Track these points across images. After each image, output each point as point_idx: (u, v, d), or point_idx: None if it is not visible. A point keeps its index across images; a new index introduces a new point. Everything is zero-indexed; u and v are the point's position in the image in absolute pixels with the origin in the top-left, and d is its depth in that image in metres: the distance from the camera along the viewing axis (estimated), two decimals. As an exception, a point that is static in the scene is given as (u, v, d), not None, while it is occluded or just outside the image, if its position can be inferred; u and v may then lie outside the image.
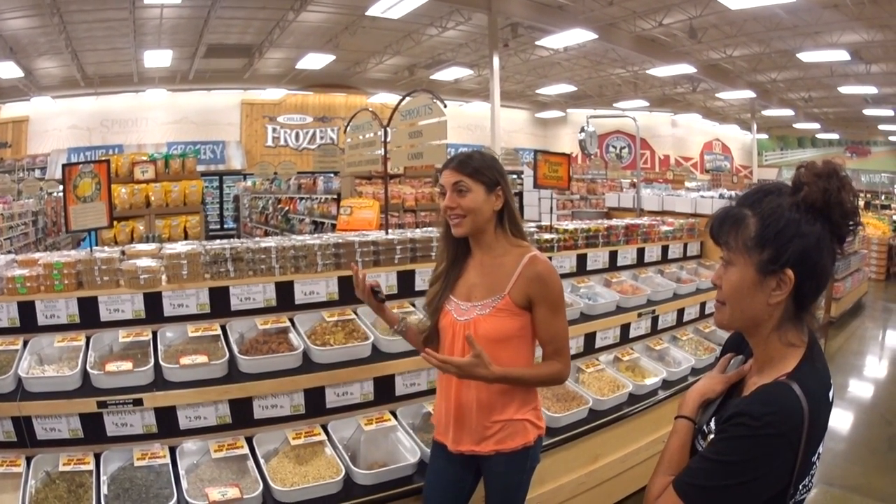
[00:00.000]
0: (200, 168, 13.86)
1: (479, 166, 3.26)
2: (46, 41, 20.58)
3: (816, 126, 39.42)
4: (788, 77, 28.22)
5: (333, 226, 12.20)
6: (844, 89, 28.36)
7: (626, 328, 6.58)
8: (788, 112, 35.06)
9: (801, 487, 2.01)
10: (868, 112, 33.38)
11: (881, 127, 37.67)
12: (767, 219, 1.99)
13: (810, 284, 2.02)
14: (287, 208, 16.71)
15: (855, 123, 38.45)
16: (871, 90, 27.76)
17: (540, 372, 3.37)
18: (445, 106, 5.49)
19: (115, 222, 8.50)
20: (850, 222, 2.02)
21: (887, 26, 19.50)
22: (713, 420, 2.17)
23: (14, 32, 19.33)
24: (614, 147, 38.90)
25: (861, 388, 9.71)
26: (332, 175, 15.55)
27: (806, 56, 22.71)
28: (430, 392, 4.81)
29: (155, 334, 4.43)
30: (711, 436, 2.10)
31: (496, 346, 3.25)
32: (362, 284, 3.57)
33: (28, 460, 3.78)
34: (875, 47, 21.72)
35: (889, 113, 32.46)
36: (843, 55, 21.94)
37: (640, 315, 6.61)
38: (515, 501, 3.57)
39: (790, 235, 1.96)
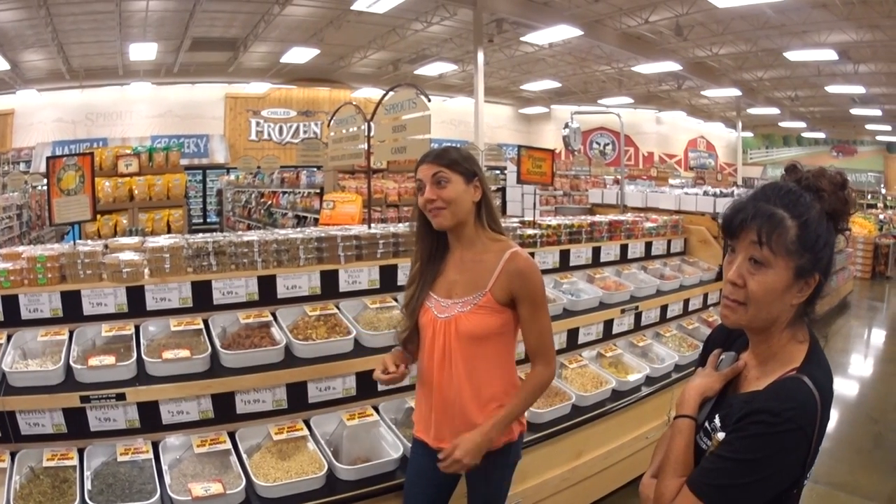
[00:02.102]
0: (184, 162, 13.78)
1: (456, 158, 3.27)
2: (33, 34, 20.51)
3: (802, 125, 39.54)
4: (775, 76, 28.31)
5: (316, 220, 12.15)
6: (832, 89, 28.46)
7: (609, 324, 6.59)
8: (774, 111, 35.18)
9: (808, 474, 2.05)
10: (855, 111, 33.50)
11: (868, 126, 37.86)
12: (810, 225, 2.01)
13: (823, 285, 2.07)
14: (270, 202, 16.68)
15: (842, 123, 38.57)
16: (858, 90, 27.85)
17: (529, 391, 3.35)
18: (429, 100, 5.50)
19: (98, 216, 8.49)
20: (845, 229, 2.10)
21: (876, 26, 19.56)
22: (717, 417, 2.17)
23: (0, 25, 19.25)
24: (598, 143, 38.96)
25: (846, 387, 9.73)
26: (315, 169, 15.50)
27: (793, 55, 22.79)
28: (413, 387, 4.78)
29: (137, 328, 4.42)
30: (719, 434, 2.08)
31: (477, 343, 3.27)
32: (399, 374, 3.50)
33: (13, 455, 3.77)
34: (863, 47, 21.80)
35: (877, 113, 32.62)
36: (830, 55, 22.03)
37: (623, 311, 6.62)
38: (498, 497, 3.58)
39: (824, 243, 2.01)
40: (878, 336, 13.95)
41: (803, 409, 1.93)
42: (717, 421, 2.15)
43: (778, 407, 1.92)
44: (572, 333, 6.21)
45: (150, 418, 4.09)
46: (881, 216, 23.67)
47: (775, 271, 2.02)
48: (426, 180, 3.26)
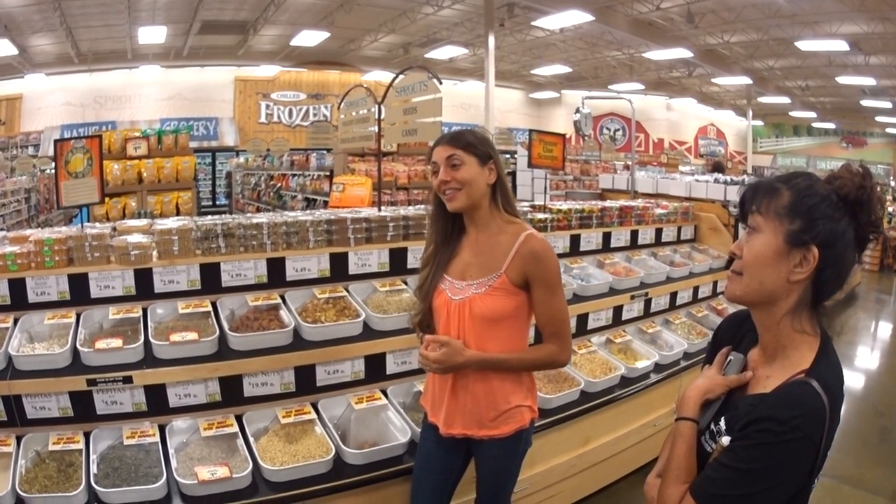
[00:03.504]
0: (193, 144, 13.79)
1: (471, 140, 3.28)
2: (41, 18, 20.44)
3: (813, 115, 39.28)
4: (786, 65, 28.13)
5: (326, 203, 12.17)
6: (842, 79, 28.26)
7: (618, 310, 6.58)
8: (785, 100, 34.97)
9: (815, 480, 2.01)
10: (866, 103, 33.30)
11: (878, 118, 37.68)
12: (802, 192, 1.98)
13: (832, 272, 2.01)
14: (279, 185, 16.68)
15: (852, 114, 38.34)
16: (869, 81, 27.69)
17: (530, 356, 3.37)
18: (441, 83, 5.46)
19: (107, 198, 8.47)
20: (873, 229, 2.02)
21: (888, 19, 19.44)
22: (723, 419, 2.12)
23: (9, 10, 19.18)
24: (608, 129, 38.83)
25: (853, 379, 9.66)
26: (324, 152, 15.53)
27: (804, 45, 22.65)
28: (422, 371, 4.74)
29: (145, 311, 4.41)
30: (724, 438, 2.03)
31: (491, 325, 3.26)
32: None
33: (18, 440, 3.77)
34: (875, 39, 21.63)
35: (887, 105, 32.42)
36: (842, 45, 21.87)
37: (632, 297, 6.61)
38: (507, 484, 3.58)
39: (822, 214, 1.96)
40: (886, 329, 13.92)
41: (811, 416, 1.89)
42: (722, 424, 2.11)
43: (785, 415, 1.88)
44: (582, 319, 6.21)
45: (157, 401, 4.10)
46: (890, 208, 23.60)
47: (764, 235, 2.02)
48: (441, 162, 3.26)
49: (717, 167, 17.35)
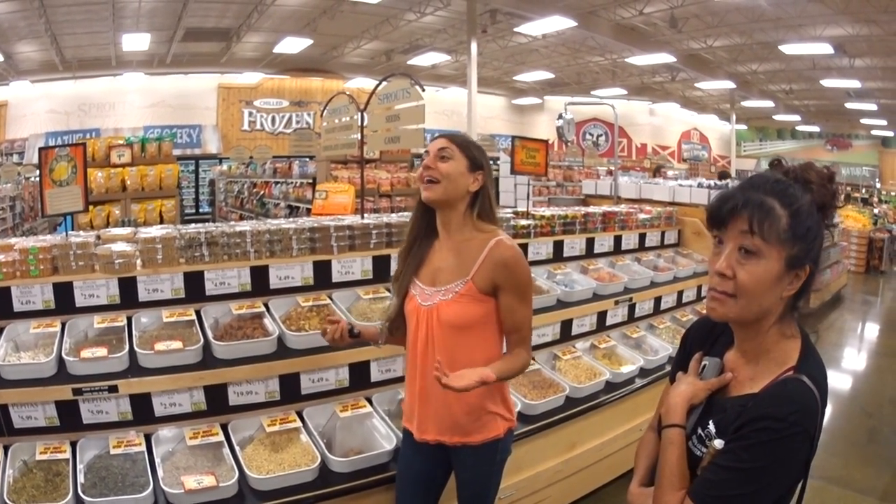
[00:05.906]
0: (176, 152, 13.75)
1: (468, 143, 3.32)
2: (26, 25, 20.36)
3: (797, 118, 39.42)
4: (770, 69, 28.19)
5: (309, 210, 12.17)
6: (827, 82, 28.30)
7: (602, 316, 6.59)
8: (768, 103, 35.03)
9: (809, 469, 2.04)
10: (850, 106, 33.37)
11: (863, 121, 37.81)
12: (800, 215, 1.99)
13: (812, 278, 2.05)
14: (262, 192, 16.71)
15: (836, 117, 38.40)
16: (854, 84, 27.75)
17: (508, 366, 3.29)
18: (423, 90, 5.48)
19: (91, 206, 8.46)
20: (831, 225, 2.09)
21: (873, 21, 19.49)
22: (711, 423, 2.13)
23: (-6, 17, 19.19)
24: (591, 135, 38.85)
25: (840, 380, 9.72)
26: (307, 159, 15.50)
27: (788, 48, 22.67)
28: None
29: (130, 320, 4.40)
30: (716, 441, 2.03)
31: (459, 333, 3.27)
32: (342, 334, 3.57)
33: (6, 449, 3.76)
34: (860, 41, 21.68)
35: (872, 107, 32.53)
36: (826, 48, 21.92)
37: (616, 303, 6.63)
38: (486, 494, 3.57)
39: (815, 234, 2.00)
40: (872, 330, 14.00)
41: (807, 410, 1.92)
42: (711, 427, 2.12)
43: (781, 412, 1.90)
44: (566, 325, 6.21)
45: (142, 410, 4.09)
46: (875, 210, 23.71)
47: (767, 261, 1.98)
48: (431, 152, 3.28)
49: (723, 175, 17.55)
